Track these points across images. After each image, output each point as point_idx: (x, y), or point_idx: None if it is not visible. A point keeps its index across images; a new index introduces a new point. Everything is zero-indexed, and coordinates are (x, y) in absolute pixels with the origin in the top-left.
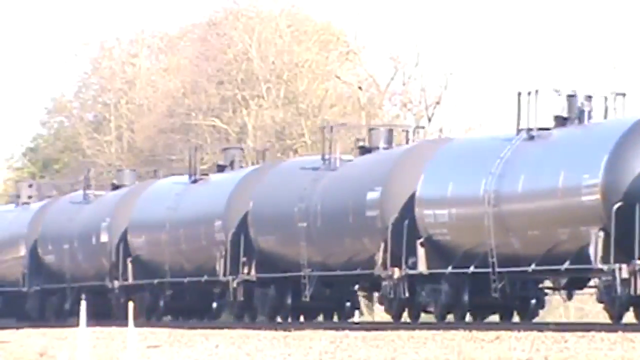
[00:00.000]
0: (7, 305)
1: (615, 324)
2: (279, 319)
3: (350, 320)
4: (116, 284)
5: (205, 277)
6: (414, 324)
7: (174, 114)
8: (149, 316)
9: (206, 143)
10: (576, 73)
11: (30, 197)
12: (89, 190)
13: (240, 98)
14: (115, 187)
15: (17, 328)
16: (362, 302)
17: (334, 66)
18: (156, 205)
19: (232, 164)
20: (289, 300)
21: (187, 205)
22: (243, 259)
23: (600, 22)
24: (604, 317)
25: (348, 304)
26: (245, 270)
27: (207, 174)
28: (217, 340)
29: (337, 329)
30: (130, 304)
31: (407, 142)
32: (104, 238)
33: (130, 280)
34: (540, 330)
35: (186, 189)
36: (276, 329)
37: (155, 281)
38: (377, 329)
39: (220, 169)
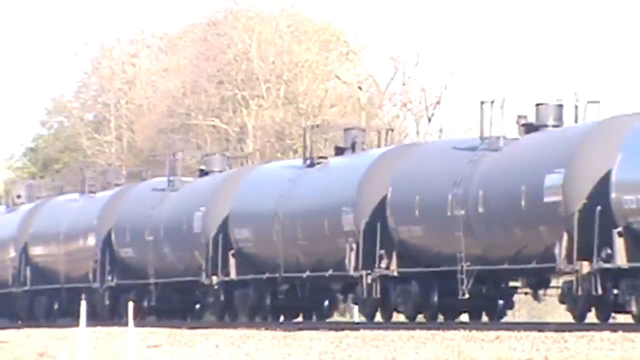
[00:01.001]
0: (72, 303)
1: (615, 324)
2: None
3: (502, 320)
4: (214, 279)
5: (330, 272)
6: (414, 324)
7: (174, 114)
8: (252, 315)
9: (206, 143)
10: (576, 73)
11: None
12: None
13: (240, 98)
14: (204, 173)
15: (17, 328)
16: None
17: (334, 66)
18: (264, 193)
19: (353, 145)
20: (435, 298)
21: (305, 192)
22: (380, 252)
23: (601, 22)
24: None
25: (500, 301)
26: (383, 265)
27: (325, 157)
28: (217, 340)
29: (337, 329)
30: (130, 304)
31: (575, 120)
32: (198, 229)
33: (233, 276)
34: (541, 330)
35: (301, 174)
36: (276, 329)
37: (265, 276)
38: (377, 329)
39: (340, 151)
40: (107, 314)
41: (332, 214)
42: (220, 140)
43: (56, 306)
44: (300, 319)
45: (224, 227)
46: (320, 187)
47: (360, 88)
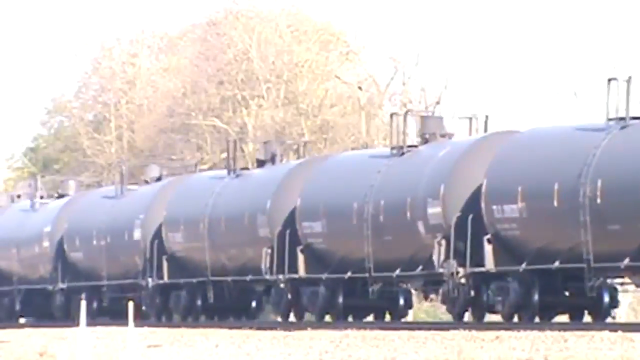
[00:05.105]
0: (114, 302)
1: (615, 324)
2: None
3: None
4: (281, 277)
5: (419, 270)
6: (414, 324)
7: (174, 114)
8: (322, 315)
9: (206, 143)
10: (576, 73)
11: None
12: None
13: (240, 98)
14: (261, 164)
15: (17, 328)
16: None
17: (334, 66)
18: (332, 183)
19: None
20: (536, 297)
21: (390, 182)
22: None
23: (600, 22)
24: None
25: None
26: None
27: (415, 146)
28: (217, 340)
29: (337, 329)
30: (130, 304)
31: None
32: (263, 226)
33: (302, 274)
34: (541, 330)
35: (391, 162)
36: (276, 329)
37: (347, 276)
38: (377, 329)
39: (424, 140)
40: (156, 313)
41: (417, 207)
42: (220, 140)
43: (94, 305)
44: (370, 318)
45: (290, 222)
46: (400, 182)
47: (360, 88)
